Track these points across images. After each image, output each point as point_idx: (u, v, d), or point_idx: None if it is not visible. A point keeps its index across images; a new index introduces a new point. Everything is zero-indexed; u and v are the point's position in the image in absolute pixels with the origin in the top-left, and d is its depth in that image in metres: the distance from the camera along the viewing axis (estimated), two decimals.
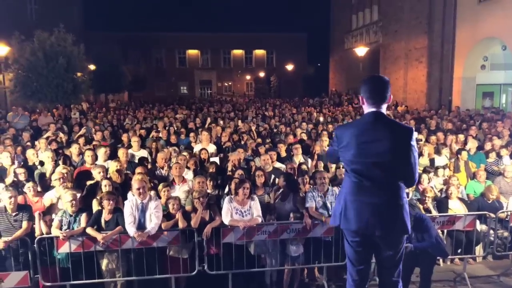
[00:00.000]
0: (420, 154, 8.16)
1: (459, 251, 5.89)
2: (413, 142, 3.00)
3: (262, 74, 42.66)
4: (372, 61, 24.92)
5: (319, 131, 10.22)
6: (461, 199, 6.37)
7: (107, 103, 27.27)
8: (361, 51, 21.68)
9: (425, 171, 6.87)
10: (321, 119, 14.52)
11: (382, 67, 24.54)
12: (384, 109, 3.07)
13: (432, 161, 7.98)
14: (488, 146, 8.66)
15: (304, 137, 9.64)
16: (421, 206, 5.74)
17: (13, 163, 6.72)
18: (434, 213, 5.82)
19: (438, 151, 8.29)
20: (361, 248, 3.17)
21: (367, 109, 3.09)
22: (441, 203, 6.13)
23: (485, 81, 17.97)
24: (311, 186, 5.83)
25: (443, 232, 5.90)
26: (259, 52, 45.02)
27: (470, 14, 17.07)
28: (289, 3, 47.34)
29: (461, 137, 9.10)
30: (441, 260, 6.14)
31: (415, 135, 3.19)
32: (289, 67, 38.07)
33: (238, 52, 44.78)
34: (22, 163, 6.85)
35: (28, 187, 5.49)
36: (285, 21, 42.27)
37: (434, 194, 6.22)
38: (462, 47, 17.88)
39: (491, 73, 17.78)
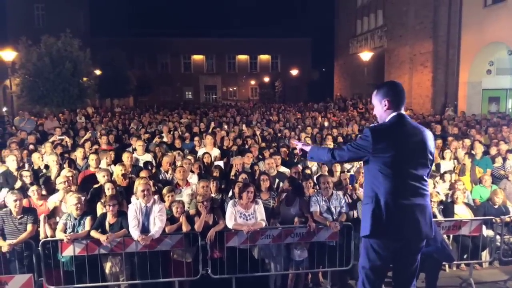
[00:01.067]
0: None
1: (465, 256, 5.83)
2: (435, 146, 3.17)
3: (266, 79, 42.72)
4: (377, 66, 24.89)
5: (324, 136, 10.20)
6: (467, 204, 6.32)
7: (113, 108, 27.42)
8: (365, 56, 21.67)
9: (430, 175, 6.81)
10: (326, 123, 14.50)
11: (387, 72, 24.51)
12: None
13: (437, 165, 7.92)
14: (494, 151, 8.60)
15: (309, 141, 9.62)
16: None
17: (19, 166, 6.76)
18: (440, 217, 5.77)
19: (443, 156, 8.23)
20: (390, 257, 3.10)
21: (392, 113, 3.10)
22: (447, 208, 6.08)
23: (491, 86, 17.89)
24: (315, 191, 5.81)
25: (449, 237, 5.84)
26: (264, 57, 45.11)
27: (476, 19, 17.03)
28: (294, 8, 47.52)
29: (467, 141, 9.04)
30: (447, 266, 6.07)
31: None
32: (294, 72, 38.07)
33: (243, 57, 44.90)
34: (32, 166, 6.89)
35: (32, 191, 5.52)
36: (290, 26, 42.22)
37: (440, 199, 6.17)
38: (468, 51, 17.82)
39: (497, 78, 17.70)
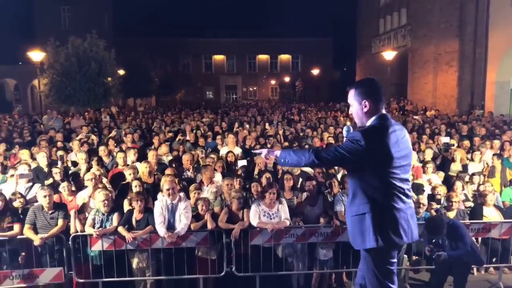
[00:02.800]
0: (452, 160, 7.96)
1: (494, 259, 5.69)
2: None
3: (287, 79, 42.60)
4: (400, 65, 24.48)
5: None
6: (497, 207, 6.15)
7: (135, 107, 27.89)
8: (389, 55, 21.33)
9: (458, 177, 6.67)
10: (348, 123, 14.34)
11: (411, 71, 24.07)
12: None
13: (464, 167, 7.75)
14: None
15: (332, 141, 9.55)
16: (449, 214, 5.53)
17: (48, 163, 6.97)
18: (468, 220, 5.63)
19: (472, 158, 8.04)
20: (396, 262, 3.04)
21: (373, 114, 2.92)
22: (476, 210, 5.93)
23: None
24: (340, 190, 5.77)
25: (477, 239, 5.71)
26: (284, 57, 45.03)
27: (504, 17, 16.54)
28: (315, 7, 47.18)
29: (496, 142, 8.79)
30: (475, 269, 5.93)
31: None
32: (315, 71, 37.83)
33: (263, 57, 44.95)
34: (64, 163, 7.09)
35: (63, 187, 5.68)
36: (311, 26, 41.95)
37: (460, 200, 5.99)
38: (496, 50, 17.31)
39: None
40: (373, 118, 2.92)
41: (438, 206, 5.76)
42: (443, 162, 8.20)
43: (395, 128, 2.89)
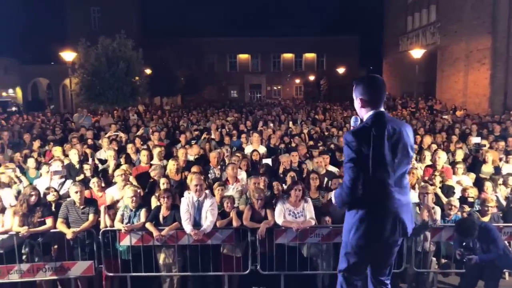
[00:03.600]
0: (484, 162, 7.71)
1: None
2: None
3: (312, 78, 42.30)
4: (428, 63, 23.87)
5: None
6: None
7: (162, 106, 28.36)
8: (417, 53, 20.82)
9: (490, 179, 6.46)
10: None
11: (440, 69, 23.44)
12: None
13: (497, 168, 7.49)
14: None
15: None
16: (483, 219, 5.35)
17: (80, 159, 7.20)
18: (500, 223, 5.44)
19: (506, 160, 7.75)
20: (370, 257, 3.06)
21: (368, 111, 2.94)
22: (509, 213, 5.72)
23: None
24: None
25: (510, 243, 5.51)
26: (309, 56, 44.73)
27: None
28: (340, 5, 46.57)
29: None
30: (507, 274, 5.74)
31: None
32: (340, 70, 37.39)
33: (288, 56, 44.79)
34: (95, 160, 7.32)
35: (93, 182, 5.85)
36: (337, 24, 41.46)
37: (497, 204, 5.80)
38: None
39: None
40: (368, 115, 2.95)
41: (470, 210, 5.59)
42: (474, 163, 7.96)
43: (387, 127, 2.85)
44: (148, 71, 25.04)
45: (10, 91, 37.10)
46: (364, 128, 2.87)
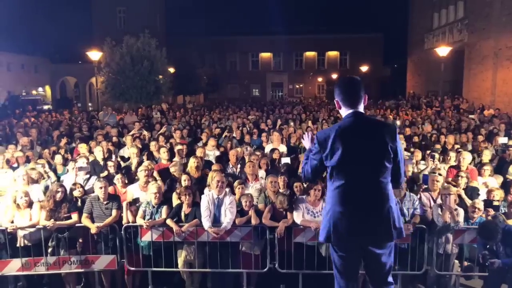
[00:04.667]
0: (511, 162, 7.48)
1: None
2: (398, 139, 2.94)
3: (334, 76, 41.89)
4: (454, 61, 23.25)
5: None
6: None
7: (185, 104, 28.72)
8: (443, 51, 20.30)
9: None
10: (398, 122, 13.88)
11: (467, 68, 22.78)
12: (362, 109, 3.00)
13: None
14: None
15: None
16: (509, 221, 5.20)
17: (104, 157, 7.40)
18: None
19: None
20: (352, 258, 3.06)
21: (345, 112, 3.01)
22: None
23: None
24: None
25: None
26: (332, 54, 44.32)
27: None
28: (365, 2, 45.93)
29: None
30: None
31: (397, 131, 2.98)
32: (364, 68, 36.87)
33: (310, 54, 44.53)
34: (118, 156, 7.51)
35: (117, 179, 6.02)
36: (360, 21, 40.92)
37: None
38: None
39: None
40: (344, 117, 3.01)
41: (496, 212, 5.43)
42: (500, 164, 7.73)
43: (358, 127, 2.89)
44: (171, 70, 25.41)
45: (40, 89, 38.37)
46: (329, 129, 3.01)
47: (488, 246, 4.53)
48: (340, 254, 3.07)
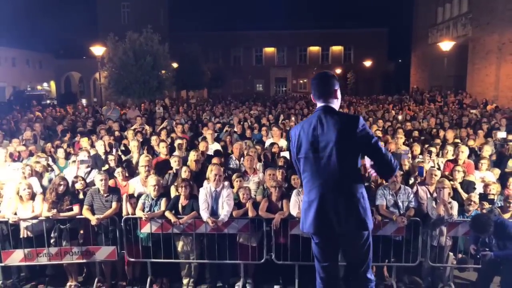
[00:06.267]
0: (510, 156, 7.51)
1: None
2: (363, 130, 2.91)
3: (338, 71, 41.73)
4: (458, 56, 23.16)
5: (395, 128, 9.84)
6: None
7: (188, 99, 28.80)
8: (446, 45, 20.26)
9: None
10: (400, 117, 13.90)
11: (471, 62, 22.69)
12: (334, 104, 3.07)
13: None
14: None
15: (379, 134, 9.34)
16: (505, 215, 5.24)
17: (106, 151, 7.52)
18: None
19: None
20: (325, 246, 3.15)
21: (317, 105, 3.12)
22: None
23: None
24: (384, 183, 5.69)
25: None
26: (336, 49, 44.18)
27: None
28: None
29: None
30: None
31: (362, 122, 2.95)
32: (368, 63, 36.77)
33: (314, 49, 44.42)
34: (118, 150, 7.62)
35: (118, 172, 6.12)
36: (365, 16, 40.68)
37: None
38: None
39: None
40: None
41: (491, 206, 5.48)
42: (500, 158, 7.76)
43: (316, 120, 3.01)
44: (174, 65, 25.47)
45: (45, 84, 38.64)
46: (299, 123, 3.18)
47: (480, 239, 4.60)
48: (315, 242, 3.19)
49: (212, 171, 5.42)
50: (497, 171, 6.93)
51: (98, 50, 18.86)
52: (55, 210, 5.28)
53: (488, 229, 4.39)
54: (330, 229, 3.00)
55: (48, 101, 31.02)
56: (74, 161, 6.73)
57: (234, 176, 5.93)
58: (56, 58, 37.54)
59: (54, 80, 38.44)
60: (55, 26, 38.24)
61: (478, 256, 4.52)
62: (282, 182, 5.65)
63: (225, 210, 5.23)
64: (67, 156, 7.52)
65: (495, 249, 4.52)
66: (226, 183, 5.64)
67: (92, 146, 8.00)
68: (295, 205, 5.24)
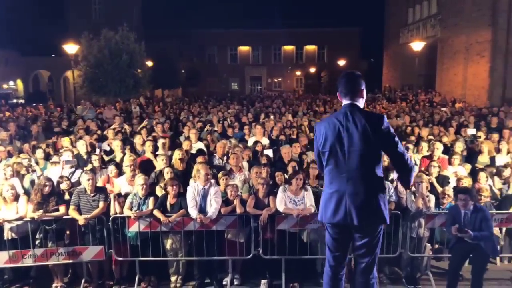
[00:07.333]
0: (479, 152, 7.94)
1: None
2: (387, 128, 3.09)
3: (312, 70, 42.38)
4: (428, 56, 24.01)
5: None
6: None
7: (163, 98, 28.51)
8: (417, 46, 20.97)
9: (483, 169, 6.69)
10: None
11: (439, 62, 23.58)
12: (359, 102, 3.23)
13: (492, 159, 7.71)
14: None
15: None
16: None
17: (87, 150, 7.44)
18: (493, 210, 5.68)
19: (499, 149, 7.98)
20: (340, 237, 3.29)
21: (343, 103, 3.26)
22: (504, 202, 5.95)
23: None
24: None
25: (501, 230, 5.77)
26: (310, 48, 44.75)
27: None
28: None
29: None
30: (498, 259, 6.00)
31: (386, 120, 3.14)
32: (341, 62, 37.46)
33: (288, 48, 44.82)
34: (103, 150, 7.55)
35: (111, 170, 6.11)
36: (338, 16, 41.37)
37: (491, 194, 6.03)
38: None
39: None
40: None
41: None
42: (470, 154, 8.19)
43: (345, 117, 3.14)
44: (149, 63, 25.16)
45: (11, 83, 37.20)
46: (324, 118, 3.40)
47: (457, 224, 4.82)
48: (329, 232, 3.32)
49: (201, 171, 5.49)
50: (468, 166, 7.33)
51: (71, 48, 18.34)
52: (41, 211, 5.22)
53: (471, 189, 4.70)
54: (350, 222, 3.12)
55: (14, 100, 29.95)
56: (55, 162, 6.64)
57: (220, 174, 6.03)
58: (23, 56, 36.13)
59: (21, 78, 37.04)
60: (21, 22, 36.92)
61: (460, 234, 4.71)
62: (269, 180, 5.79)
63: (213, 207, 5.32)
64: (47, 156, 7.39)
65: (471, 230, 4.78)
66: (213, 180, 5.73)
67: (72, 146, 7.88)
68: (282, 201, 5.40)
